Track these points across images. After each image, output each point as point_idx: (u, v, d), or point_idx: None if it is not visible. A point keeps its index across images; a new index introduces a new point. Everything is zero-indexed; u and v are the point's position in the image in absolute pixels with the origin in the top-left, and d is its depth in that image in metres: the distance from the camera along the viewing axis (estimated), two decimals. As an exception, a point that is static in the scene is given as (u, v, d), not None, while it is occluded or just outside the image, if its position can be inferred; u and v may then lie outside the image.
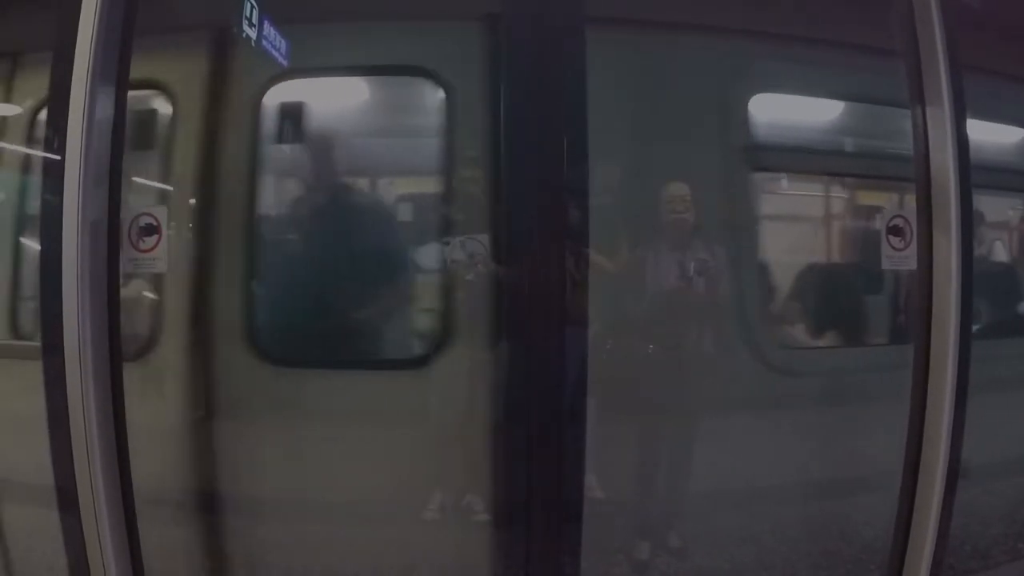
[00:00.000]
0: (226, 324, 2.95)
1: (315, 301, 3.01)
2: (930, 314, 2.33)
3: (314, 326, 3.01)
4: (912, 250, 2.41)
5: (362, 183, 3.38)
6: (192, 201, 3.01)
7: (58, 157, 2.02)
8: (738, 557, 2.93)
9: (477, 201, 2.89)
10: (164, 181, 3.06)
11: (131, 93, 2.67)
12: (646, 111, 3.03)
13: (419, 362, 2.98)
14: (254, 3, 2.55)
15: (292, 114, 3.08)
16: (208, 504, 2.87)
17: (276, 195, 3.25)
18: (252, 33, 2.57)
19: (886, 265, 2.53)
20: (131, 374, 2.87)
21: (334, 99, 3.29)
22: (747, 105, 3.19)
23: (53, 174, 2.05)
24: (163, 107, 3.08)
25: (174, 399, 2.93)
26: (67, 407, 2.01)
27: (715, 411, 3.04)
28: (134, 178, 3.08)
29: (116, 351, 2.09)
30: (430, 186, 3.19)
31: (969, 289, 2.29)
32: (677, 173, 3.05)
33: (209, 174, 2.97)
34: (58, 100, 2.02)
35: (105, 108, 2.05)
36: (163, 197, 3.06)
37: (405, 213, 3.31)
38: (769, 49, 3.13)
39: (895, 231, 2.48)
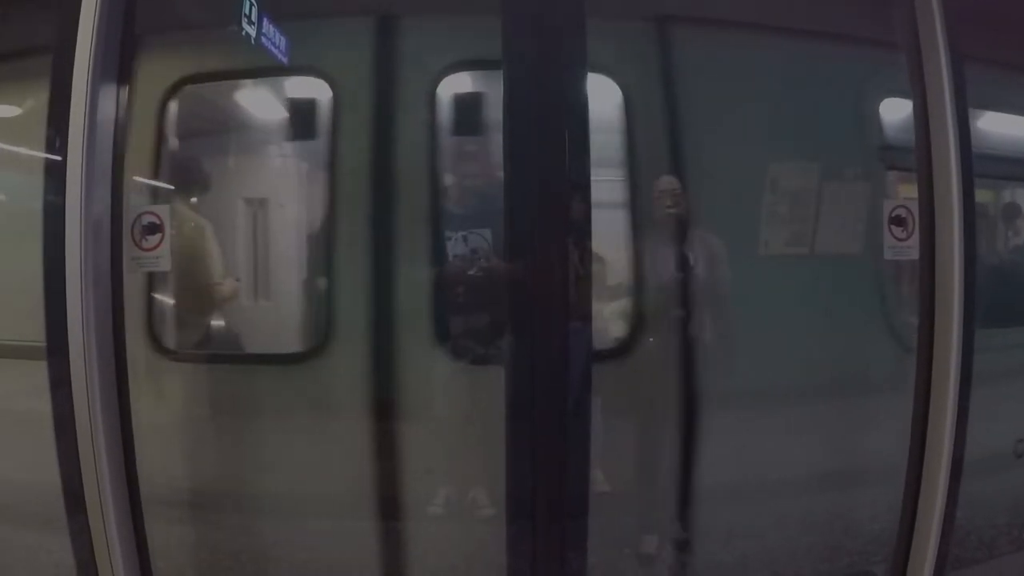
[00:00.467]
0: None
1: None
2: (932, 305, 2.33)
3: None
4: (915, 240, 2.41)
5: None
6: (366, 193, 3.03)
7: (59, 157, 2.02)
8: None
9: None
10: (332, 171, 3.09)
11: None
12: (809, 115, 3.18)
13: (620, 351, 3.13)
14: (253, 1, 2.54)
15: (470, 105, 3.12)
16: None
17: (455, 187, 3.27)
18: (251, 31, 2.56)
19: (888, 256, 2.53)
20: (299, 375, 3.00)
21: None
22: (879, 109, 3.42)
23: (55, 173, 2.04)
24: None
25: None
26: (72, 407, 2.01)
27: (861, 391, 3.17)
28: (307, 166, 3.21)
29: (120, 350, 2.09)
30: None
31: (972, 279, 2.29)
32: (829, 172, 3.23)
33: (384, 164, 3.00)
34: (59, 99, 2.01)
35: (107, 106, 2.05)
36: (332, 187, 3.09)
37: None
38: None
39: (897, 221, 2.48)
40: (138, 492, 2.13)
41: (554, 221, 2.30)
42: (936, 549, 2.34)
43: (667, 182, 3.11)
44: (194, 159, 3.28)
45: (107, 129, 2.06)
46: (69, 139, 1.99)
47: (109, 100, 2.06)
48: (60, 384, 2.02)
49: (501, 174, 3.15)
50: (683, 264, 3.15)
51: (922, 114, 2.33)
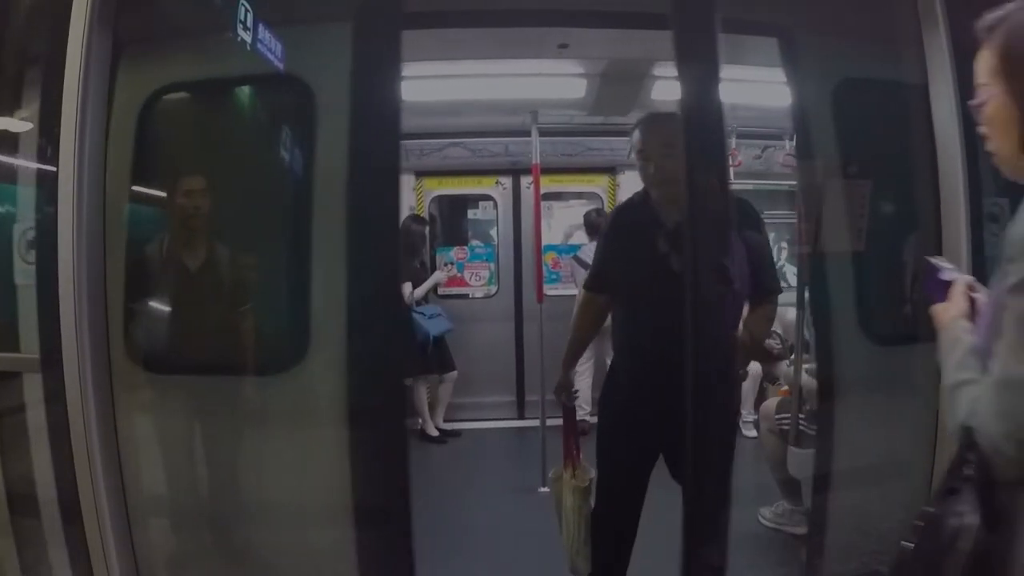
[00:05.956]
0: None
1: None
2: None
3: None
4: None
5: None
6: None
7: (52, 168, 2.00)
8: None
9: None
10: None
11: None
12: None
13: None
14: (248, 7, 2.51)
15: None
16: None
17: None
18: (247, 37, 2.53)
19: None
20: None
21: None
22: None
23: (47, 184, 2.02)
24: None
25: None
26: (67, 418, 1.98)
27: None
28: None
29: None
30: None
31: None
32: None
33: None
34: (50, 109, 2.00)
35: (98, 116, 2.03)
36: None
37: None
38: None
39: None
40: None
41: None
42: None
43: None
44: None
45: (99, 138, 2.04)
46: (60, 148, 1.97)
47: (100, 108, 2.04)
48: (54, 395, 2.00)
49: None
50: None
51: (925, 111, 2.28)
